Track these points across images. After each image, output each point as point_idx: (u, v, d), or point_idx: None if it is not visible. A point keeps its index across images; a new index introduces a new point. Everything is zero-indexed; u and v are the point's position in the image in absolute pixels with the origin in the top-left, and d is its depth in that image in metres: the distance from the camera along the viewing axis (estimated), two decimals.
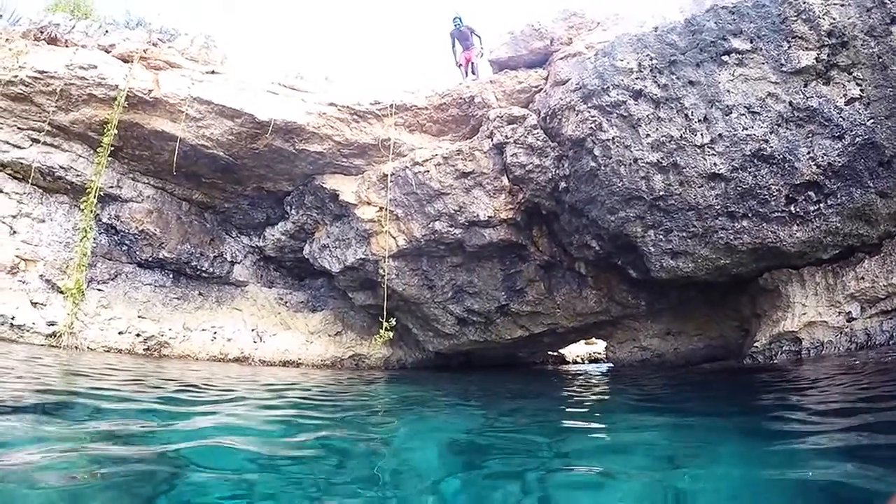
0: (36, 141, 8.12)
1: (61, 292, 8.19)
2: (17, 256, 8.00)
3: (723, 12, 5.96)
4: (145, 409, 3.07)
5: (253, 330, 8.79)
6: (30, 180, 8.11)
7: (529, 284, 7.80)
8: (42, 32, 8.24)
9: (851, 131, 5.23)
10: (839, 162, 5.30)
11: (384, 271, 7.56)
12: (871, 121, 5.23)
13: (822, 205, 5.51)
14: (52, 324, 7.79)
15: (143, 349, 8.52)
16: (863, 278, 5.53)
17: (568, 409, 4.17)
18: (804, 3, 5.48)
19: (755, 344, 6.57)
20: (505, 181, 7.23)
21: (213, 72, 8.18)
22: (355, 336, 8.83)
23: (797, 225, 5.63)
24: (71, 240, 8.64)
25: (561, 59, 7.49)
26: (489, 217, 7.21)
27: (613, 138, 6.46)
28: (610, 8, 8.03)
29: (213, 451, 2.24)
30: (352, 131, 7.40)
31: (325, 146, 7.49)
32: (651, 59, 6.32)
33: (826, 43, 5.37)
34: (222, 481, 1.94)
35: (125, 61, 8.14)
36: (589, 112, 6.61)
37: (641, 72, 6.36)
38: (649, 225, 6.55)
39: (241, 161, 7.96)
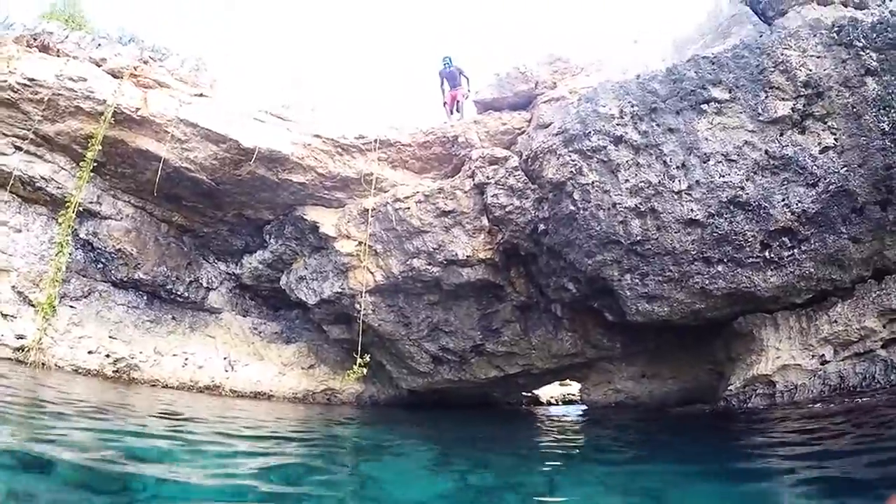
0: (19, 149, 8.03)
1: (32, 306, 8.00)
2: None
3: (703, 62, 6.18)
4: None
5: (225, 358, 8.60)
6: (8, 188, 7.98)
7: (505, 325, 7.76)
8: (35, 39, 8.21)
9: (825, 179, 5.39)
10: (813, 209, 5.45)
11: (361, 306, 7.48)
12: (845, 168, 5.42)
13: (796, 250, 5.63)
14: (20, 337, 7.56)
15: (113, 371, 8.28)
16: (836, 322, 5.64)
17: (542, 466, 4.03)
18: (782, 54, 5.71)
19: (729, 387, 6.57)
20: (485, 221, 7.26)
21: (201, 94, 8.20)
22: (328, 370, 8.67)
23: (771, 270, 5.73)
24: (46, 253, 8.46)
25: (545, 102, 7.63)
26: (468, 256, 7.20)
27: (593, 183, 6.53)
28: (594, 54, 8.22)
29: None
30: (335, 164, 7.43)
31: (307, 177, 7.50)
32: (632, 106, 6.46)
33: (802, 93, 5.58)
34: None
35: (115, 76, 8.13)
36: (570, 156, 6.70)
37: (623, 118, 6.50)
38: (626, 269, 6.58)
39: (224, 186, 7.92)
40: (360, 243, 7.40)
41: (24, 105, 7.60)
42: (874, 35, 5.59)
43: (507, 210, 7.12)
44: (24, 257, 8.28)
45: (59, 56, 8.25)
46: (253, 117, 7.69)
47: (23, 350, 7.32)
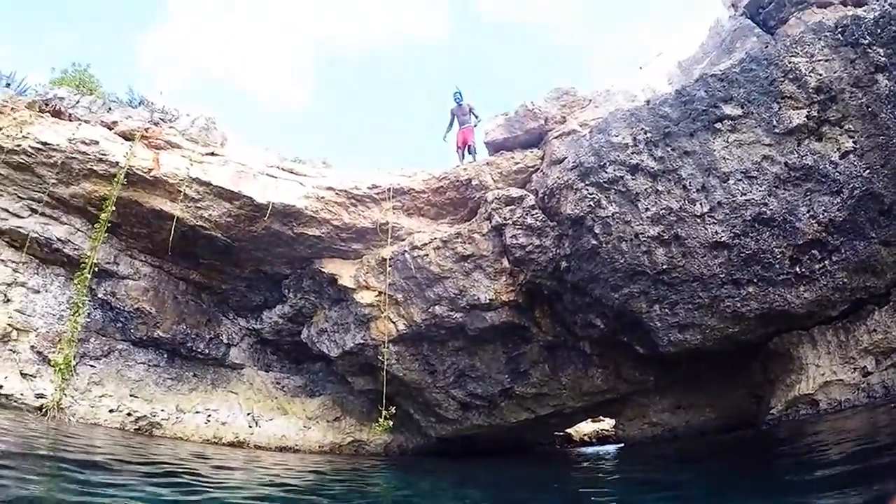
0: (35, 211, 8.08)
1: (52, 365, 7.98)
2: (9, 325, 7.77)
3: (712, 80, 6.05)
4: None
5: (248, 414, 8.46)
6: (26, 249, 8.02)
7: (533, 366, 7.55)
8: (47, 105, 8.33)
9: (849, 184, 5.21)
10: (840, 217, 5.25)
11: (384, 356, 7.34)
12: (868, 171, 5.23)
13: (826, 262, 5.42)
14: (40, 396, 7.49)
15: (135, 429, 8.19)
16: (874, 331, 5.39)
17: None
18: (790, 62, 5.56)
19: (771, 411, 6.32)
20: (505, 263, 7.12)
21: (212, 153, 8.24)
22: (355, 422, 8.49)
23: (804, 285, 5.52)
24: (65, 312, 8.45)
25: (556, 137, 7.55)
26: (490, 300, 7.05)
27: (613, 215, 6.40)
28: (600, 85, 8.18)
29: None
30: (350, 215, 7.37)
31: (323, 230, 7.44)
32: (645, 133, 6.35)
33: (815, 100, 5.42)
34: None
35: (126, 139, 8.21)
36: (587, 189, 6.58)
37: (637, 146, 6.38)
38: (654, 299, 6.39)
39: (240, 243, 7.90)
40: (379, 293, 7.29)
41: (38, 168, 7.66)
42: (878, 30, 5.42)
43: (527, 250, 6.98)
44: (42, 317, 8.27)
45: (70, 120, 8.36)
46: (265, 173, 7.69)
47: (42, 409, 7.27)
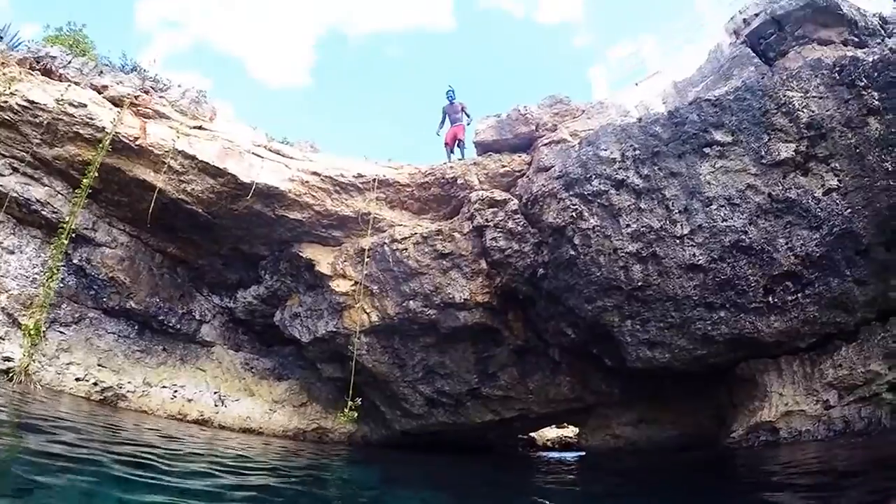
0: (16, 170, 7.92)
1: (21, 328, 7.84)
2: None
3: (705, 105, 6.11)
4: None
5: (216, 393, 8.41)
6: (3, 209, 7.86)
7: (502, 369, 7.60)
8: (38, 62, 8.15)
9: (829, 221, 5.29)
10: (817, 252, 5.33)
11: (355, 346, 7.33)
12: (849, 210, 5.30)
13: (799, 294, 5.51)
14: (7, 359, 7.37)
15: (100, 399, 8.09)
16: (840, 366, 5.45)
17: None
18: (784, 96, 5.63)
19: (731, 434, 6.39)
20: (483, 264, 7.14)
21: (200, 127, 8.14)
22: (320, 408, 8.47)
23: (775, 315, 5.60)
24: (38, 276, 8.30)
25: (545, 144, 7.57)
26: (465, 300, 7.08)
27: (594, 227, 6.45)
28: (597, 94, 8.22)
29: None
30: (333, 202, 7.34)
31: (304, 214, 7.40)
32: (634, 150, 6.39)
33: (805, 135, 5.50)
34: None
35: (115, 104, 8.05)
36: (570, 200, 6.62)
37: (624, 162, 6.43)
38: (627, 315, 6.47)
39: (220, 220, 7.82)
40: (355, 283, 7.27)
41: (23, 127, 7.51)
42: (875, 74, 5.48)
43: (506, 254, 7.01)
44: (15, 279, 8.12)
45: (60, 80, 8.17)
46: (252, 152, 7.62)
47: (8, 372, 7.15)
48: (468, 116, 8.44)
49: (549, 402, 7.85)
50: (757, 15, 7.76)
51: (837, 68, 5.65)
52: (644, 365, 6.45)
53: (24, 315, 7.83)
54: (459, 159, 7.97)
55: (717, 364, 6.23)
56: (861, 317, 5.41)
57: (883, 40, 6.39)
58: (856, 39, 6.56)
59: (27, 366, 7.23)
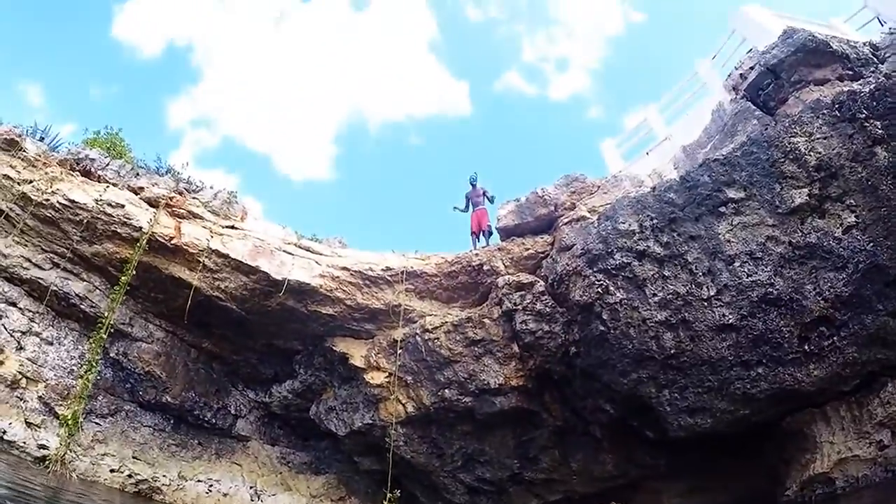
0: (56, 265, 8.27)
1: (58, 418, 7.95)
2: (19, 372, 7.78)
3: (714, 165, 6.21)
4: None
5: (252, 487, 8.36)
6: (45, 301, 8.13)
7: (543, 451, 7.46)
8: (77, 164, 8.62)
9: (853, 259, 5.21)
10: (846, 292, 5.22)
11: (392, 437, 7.30)
12: (871, 244, 5.23)
13: (835, 338, 5.35)
14: (42, 447, 7.41)
15: (134, 491, 8.06)
16: (889, 403, 5.24)
17: None
18: (790, 143, 5.68)
19: (786, 492, 6.10)
20: (515, 348, 7.18)
21: (232, 226, 8.52)
22: (359, 502, 8.35)
23: (813, 363, 5.45)
24: (75, 367, 8.51)
25: (565, 223, 7.74)
26: (500, 385, 7.07)
27: (621, 301, 6.48)
28: (610, 167, 8.47)
29: None
30: (363, 296, 7.54)
31: (336, 309, 7.59)
32: (652, 219, 6.49)
33: (816, 177, 5.50)
34: None
35: (151, 205, 8.48)
36: (595, 276, 6.69)
37: (643, 232, 6.51)
38: (663, 384, 6.37)
39: (253, 316, 8.04)
40: (389, 374, 7.34)
41: (63, 224, 7.87)
42: (874, 103, 5.54)
43: (536, 335, 7.05)
44: (53, 369, 8.33)
45: (99, 181, 8.65)
46: (282, 249, 7.93)
47: (44, 460, 7.20)
48: (490, 201, 8.71)
49: (594, 480, 7.63)
50: (752, 68, 8.00)
51: (837, 105, 5.72)
52: (686, 433, 6.31)
53: (60, 405, 7.98)
54: (485, 246, 8.18)
55: (762, 421, 6.05)
56: None
57: (877, 67, 6.44)
58: (850, 73, 6.59)
59: (63, 454, 7.31)
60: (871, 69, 6.51)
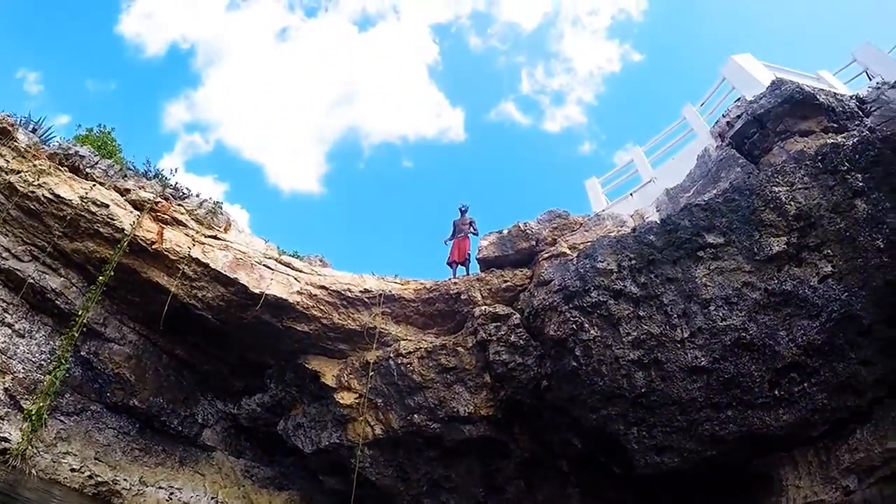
0: (36, 258, 8.15)
1: (22, 412, 7.80)
2: None
3: (696, 210, 6.33)
4: None
5: (213, 499, 8.26)
6: (20, 293, 7.99)
7: (509, 481, 7.49)
8: (67, 159, 8.51)
9: (828, 308, 5.29)
10: (819, 339, 5.31)
11: (358, 458, 7.28)
12: (846, 294, 5.31)
13: (805, 384, 5.45)
14: (4, 440, 7.22)
15: (93, 493, 7.90)
16: (856, 449, 5.28)
17: None
18: (771, 192, 5.79)
19: None
20: (487, 378, 7.23)
21: (215, 237, 8.49)
22: None
23: (783, 408, 5.54)
24: (45, 362, 8.35)
25: (545, 258, 7.83)
26: (469, 413, 7.12)
27: (594, 338, 6.56)
28: (591, 206, 8.60)
29: None
30: (339, 316, 7.55)
31: (311, 327, 7.60)
32: (630, 260, 6.58)
33: (795, 227, 5.60)
34: None
35: (136, 208, 8.41)
36: (570, 313, 6.77)
37: (621, 272, 6.60)
38: (632, 422, 6.44)
39: (228, 327, 8.01)
40: (360, 395, 7.34)
41: (47, 218, 7.77)
42: (856, 156, 5.65)
43: (509, 367, 7.11)
44: (22, 362, 8.15)
45: (86, 179, 8.56)
46: (263, 263, 7.92)
47: (4, 454, 7.03)
48: (474, 233, 8.79)
49: None
50: (739, 116, 8.13)
51: (819, 157, 5.83)
52: (653, 471, 6.35)
53: (26, 399, 7.82)
54: (464, 275, 8.24)
55: (730, 463, 6.10)
56: (872, 397, 5.29)
57: (861, 121, 6.49)
58: (835, 125, 6.56)
59: (25, 449, 7.16)
60: (856, 122, 6.58)
